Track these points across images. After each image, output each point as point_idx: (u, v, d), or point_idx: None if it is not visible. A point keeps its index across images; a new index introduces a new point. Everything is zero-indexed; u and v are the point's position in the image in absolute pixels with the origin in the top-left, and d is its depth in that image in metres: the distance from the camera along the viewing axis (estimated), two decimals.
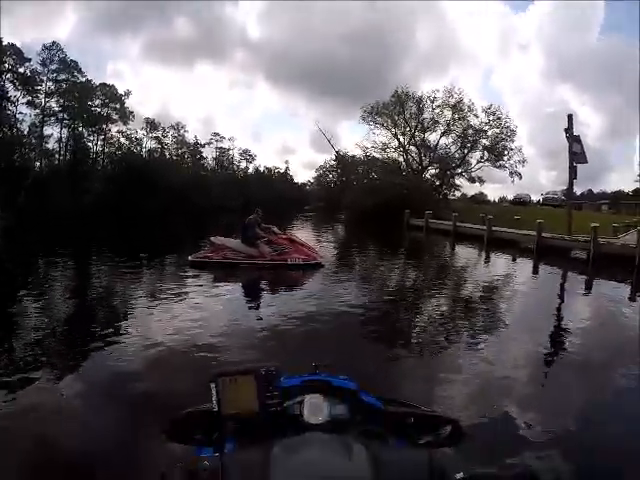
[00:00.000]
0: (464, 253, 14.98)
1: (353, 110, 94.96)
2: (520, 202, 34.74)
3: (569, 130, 16.04)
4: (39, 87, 35.70)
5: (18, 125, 34.05)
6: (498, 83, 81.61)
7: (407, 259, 12.87)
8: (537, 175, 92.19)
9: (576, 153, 15.94)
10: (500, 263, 12.73)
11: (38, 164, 35.25)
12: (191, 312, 5.39)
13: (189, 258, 8.78)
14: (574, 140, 15.94)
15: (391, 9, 65.33)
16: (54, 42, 36.82)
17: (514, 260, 12.70)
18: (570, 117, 16.43)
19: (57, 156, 38.28)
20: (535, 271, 11.36)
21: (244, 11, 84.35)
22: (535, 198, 38.94)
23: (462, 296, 7.46)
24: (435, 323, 5.53)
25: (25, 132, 34.71)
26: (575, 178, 16.64)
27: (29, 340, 4.39)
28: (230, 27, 73.91)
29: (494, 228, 16.46)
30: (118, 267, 9.05)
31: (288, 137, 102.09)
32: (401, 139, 33.88)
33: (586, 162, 16.59)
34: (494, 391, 3.45)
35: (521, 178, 32.17)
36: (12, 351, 4.14)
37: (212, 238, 9.09)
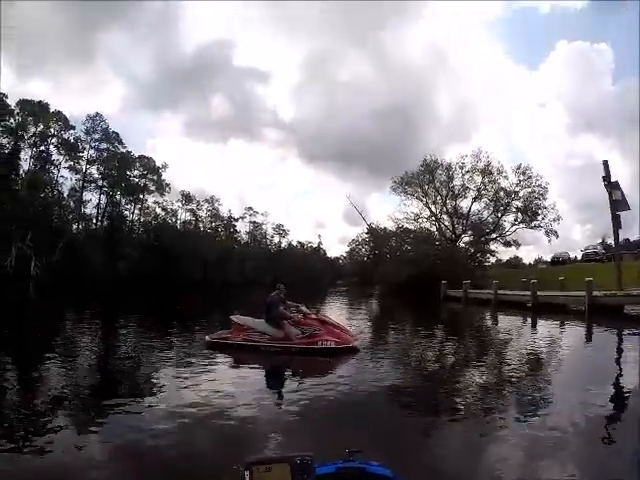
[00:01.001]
0: (508, 322, 13.99)
1: (383, 181, 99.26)
2: (559, 261, 33.11)
3: (607, 177, 15.35)
4: (81, 154, 38.59)
5: (59, 188, 36.78)
6: (522, 143, 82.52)
7: (446, 333, 11.98)
8: (570, 231, 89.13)
9: (617, 200, 15.08)
10: (549, 330, 11.69)
11: (75, 227, 37.08)
12: (209, 395, 5.04)
13: (206, 338, 8.16)
14: (613, 187, 15.17)
15: (412, 84, 72.46)
16: (97, 113, 40.39)
17: (563, 325, 11.75)
18: (606, 163, 15.68)
19: (94, 221, 39.82)
20: (589, 335, 10.40)
21: (275, 92, 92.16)
22: (573, 255, 37.11)
23: (509, 371, 6.81)
24: (479, 400, 5.11)
25: (65, 195, 37.24)
26: (620, 227, 15.70)
27: (50, 400, 4.49)
28: (263, 106, 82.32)
29: (538, 292, 15.61)
30: (144, 338, 9.33)
31: (321, 211, 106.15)
32: (433, 208, 33.42)
33: (628, 209, 15.54)
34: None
35: (557, 237, 30.72)
36: (33, 412, 4.20)
37: (233, 317, 8.41)
